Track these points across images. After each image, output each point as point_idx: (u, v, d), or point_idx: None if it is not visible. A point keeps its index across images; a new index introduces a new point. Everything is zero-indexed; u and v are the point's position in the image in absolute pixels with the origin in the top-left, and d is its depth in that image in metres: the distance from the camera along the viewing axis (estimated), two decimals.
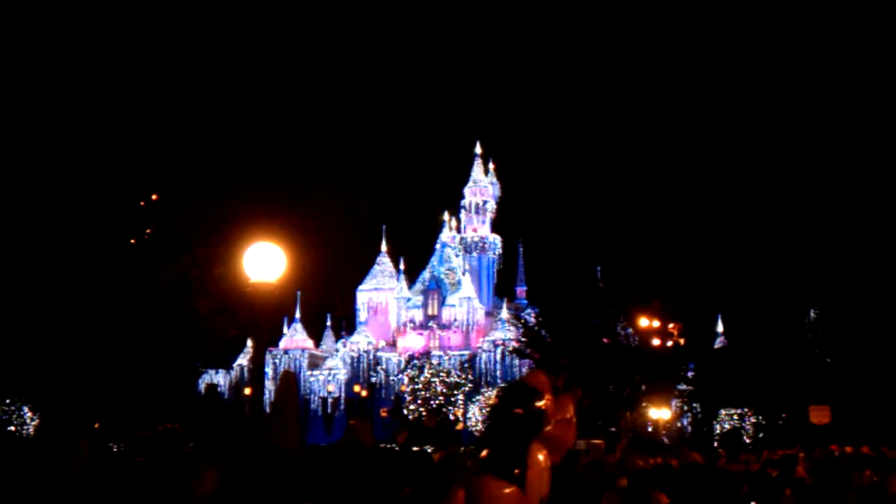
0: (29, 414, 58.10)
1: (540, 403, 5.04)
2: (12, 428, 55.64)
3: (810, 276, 68.01)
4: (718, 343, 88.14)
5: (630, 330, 55.72)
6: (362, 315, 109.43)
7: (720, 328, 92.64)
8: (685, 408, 76.12)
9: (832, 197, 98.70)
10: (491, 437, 5.07)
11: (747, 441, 62.76)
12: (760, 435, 67.79)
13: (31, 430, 56.57)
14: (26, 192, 41.44)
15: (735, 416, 74.24)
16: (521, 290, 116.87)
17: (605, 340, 56.81)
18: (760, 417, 70.67)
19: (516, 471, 4.78)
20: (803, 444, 28.72)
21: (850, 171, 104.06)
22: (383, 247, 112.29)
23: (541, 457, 4.97)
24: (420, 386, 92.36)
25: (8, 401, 56.91)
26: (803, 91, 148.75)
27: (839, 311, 63.38)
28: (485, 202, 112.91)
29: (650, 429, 58.17)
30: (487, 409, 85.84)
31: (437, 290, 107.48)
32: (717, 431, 72.40)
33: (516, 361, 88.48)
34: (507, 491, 4.75)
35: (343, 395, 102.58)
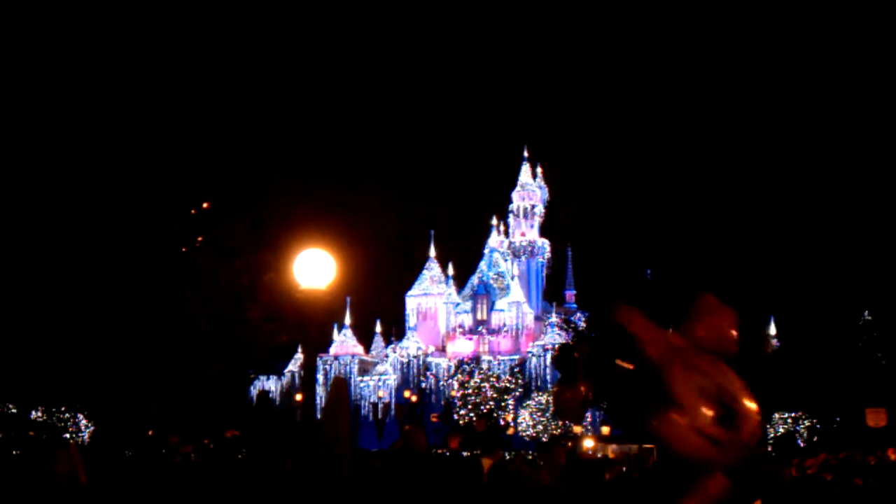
0: (84, 422, 58.81)
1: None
2: (67, 435, 56.29)
3: (865, 276, 67.22)
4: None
5: None
6: (412, 320, 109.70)
7: (773, 330, 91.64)
8: None
9: (886, 198, 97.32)
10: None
11: (801, 444, 62.01)
12: (815, 438, 66.88)
13: (86, 437, 57.25)
14: (79, 202, 42.02)
15: (789, 420, 73.34)
16: (570, 295, 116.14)
17: None
18: (815, 420, 69.72)
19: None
20: (859, 447, 28.33)
21: None
22: (432, 252, 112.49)
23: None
24: (470, 391, 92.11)
25: (63, 408, 57.66)
26: (867, 96, 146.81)
27: (894, 311, 62.50)
28: (533, 206, 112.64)
29: None
30: (539, 414, 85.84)
31: (485, 294, 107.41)
32: (771, 435, 71.58)
33: None
34: None
35: (393, 400, 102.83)
